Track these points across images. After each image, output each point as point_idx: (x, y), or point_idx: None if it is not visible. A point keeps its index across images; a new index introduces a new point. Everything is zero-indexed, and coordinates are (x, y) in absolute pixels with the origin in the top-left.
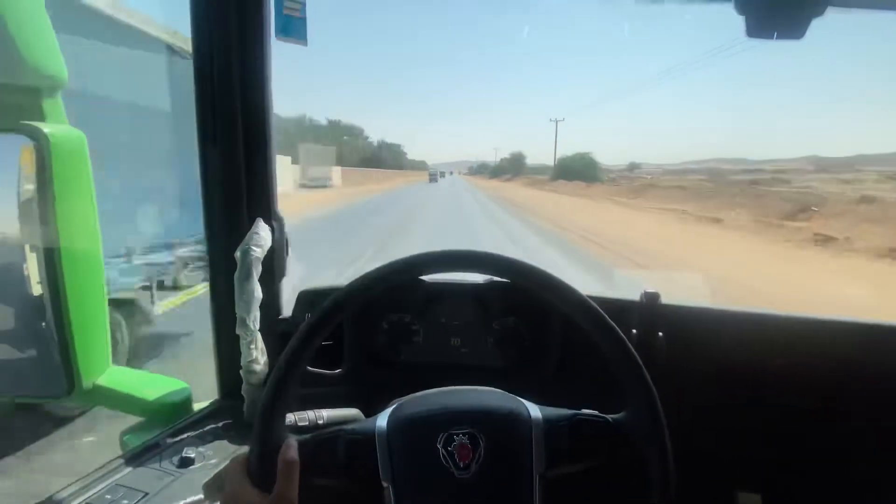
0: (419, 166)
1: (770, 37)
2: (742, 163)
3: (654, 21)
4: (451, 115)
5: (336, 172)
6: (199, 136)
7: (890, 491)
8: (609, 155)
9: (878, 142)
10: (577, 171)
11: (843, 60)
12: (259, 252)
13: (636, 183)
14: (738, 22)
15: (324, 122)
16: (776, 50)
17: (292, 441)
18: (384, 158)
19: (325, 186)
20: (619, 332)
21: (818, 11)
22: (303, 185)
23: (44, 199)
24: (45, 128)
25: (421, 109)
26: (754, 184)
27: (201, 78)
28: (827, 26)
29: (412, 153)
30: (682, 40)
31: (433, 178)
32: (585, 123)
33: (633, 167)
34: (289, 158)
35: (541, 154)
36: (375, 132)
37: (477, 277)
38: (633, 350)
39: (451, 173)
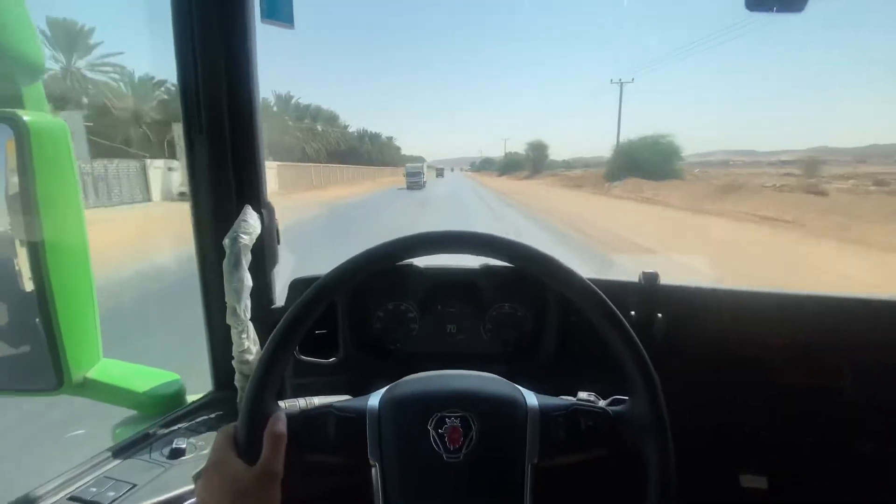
0: (416, 162)
1: (770, 9)
2: (751, 154)
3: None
4: (452, 108)
5: (269, 170)
6: (184, 124)
7: (894, 470)
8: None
9: (888, 133)
10: (652, 165)
11: (842, 50)
12: (247, 239)
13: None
14: None
15: (268, 96)
16: (778, 39)
17: (281, 414)
18: (366, 152)
19: None
20: (623, 319)
21: None
22: (182, 195)
23: (25, 190)
24: (25, 115)
25: (419, 102)
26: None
27: (184, 64)
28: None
29: (409, 148)
30: (681, 23)
31: (414, 179)
32: (584, 116)
33: (579, 162)
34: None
35: (560, 147)
36: (365, 122)
37: (472, 263)
38: (636, 339)
39: (453, 170)
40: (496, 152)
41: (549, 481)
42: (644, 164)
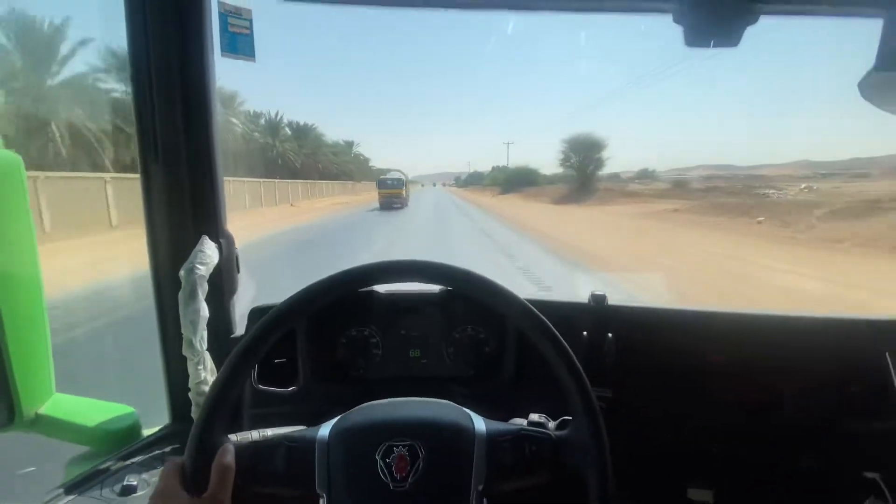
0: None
1: (707, 45)
2: (730, 168)
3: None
4: (437, 120)
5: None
6: (139, 153)
7: (835, 479)
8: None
9: (876, 145)
10: None
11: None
12: (204, 270)
13: None
14: (678, 32)
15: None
16: (760, 53)
17: (230, 446)
18: (281, 156)
19: None
20: (564, 343)
21: (752, 20)
22: None
23: None
24: None
25: (398, 114)
26: None
27: (140, 92)
28: (763, 33)
29: (382, 160)
30: (636, 50)
31: None
32: (574, 127)
33: (643, 174)
34: None
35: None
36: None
37: (433, 287)
38: (577, 363)
39: (435, 185)
40: (484, 166)
41: None
42: None
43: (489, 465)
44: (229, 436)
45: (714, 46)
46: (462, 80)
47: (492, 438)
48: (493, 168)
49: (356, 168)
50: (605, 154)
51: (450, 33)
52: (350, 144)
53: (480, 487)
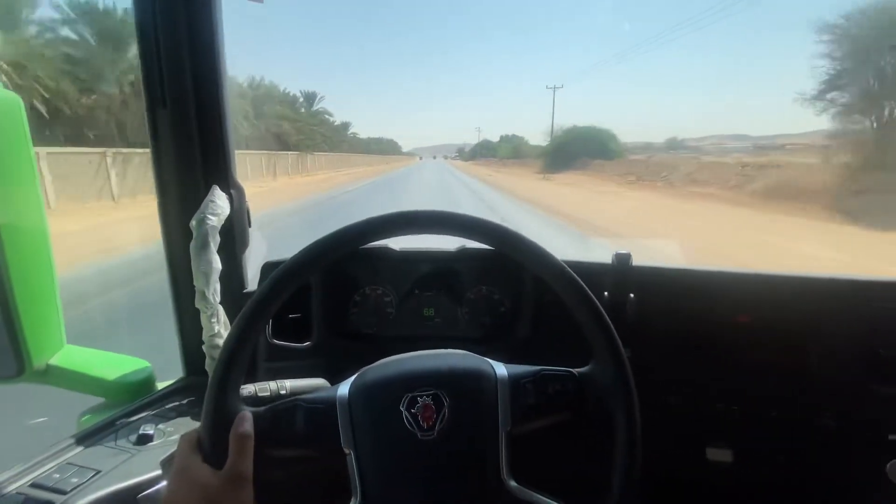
0: (383, 149)
1: None
2: (744, 138)
3: None
4: (437, 86)
5: None
6: (146, 99)
7: (858, 442)
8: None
9: None
10: None
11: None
12: (215, 221)
13: None
14: None
15: None
16: (772, 21)
17: (246, 414)
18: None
19: None
20: (582, 283)
21: None
22: None
23: None
24: None
25: (397, 83)
26: None
27: (144, 36)
28: None
29: (372, 128)
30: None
31: None
32: (574, 96)
33: (673, 144)
34: None
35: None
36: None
37: (449, 245)
38: (596, 301)
39: (435, 157)
40: (492, 135)
41: (524, 448)
42: None
43: (513, 406)
44: (247, 385)
45: None
46: (462, 29)
47: (514, 380)
48: (502, 138)
49: (318, 133)
50: None
51: None
52: (311, 97)
53: (508, 429)
